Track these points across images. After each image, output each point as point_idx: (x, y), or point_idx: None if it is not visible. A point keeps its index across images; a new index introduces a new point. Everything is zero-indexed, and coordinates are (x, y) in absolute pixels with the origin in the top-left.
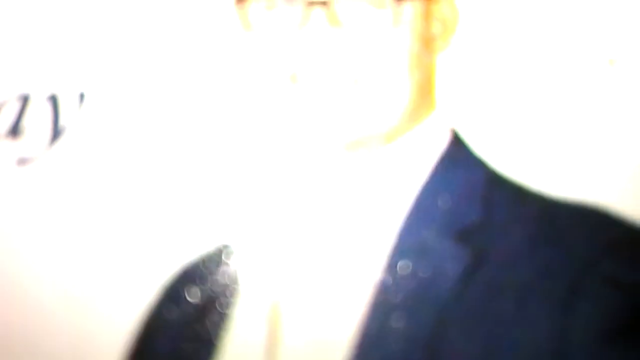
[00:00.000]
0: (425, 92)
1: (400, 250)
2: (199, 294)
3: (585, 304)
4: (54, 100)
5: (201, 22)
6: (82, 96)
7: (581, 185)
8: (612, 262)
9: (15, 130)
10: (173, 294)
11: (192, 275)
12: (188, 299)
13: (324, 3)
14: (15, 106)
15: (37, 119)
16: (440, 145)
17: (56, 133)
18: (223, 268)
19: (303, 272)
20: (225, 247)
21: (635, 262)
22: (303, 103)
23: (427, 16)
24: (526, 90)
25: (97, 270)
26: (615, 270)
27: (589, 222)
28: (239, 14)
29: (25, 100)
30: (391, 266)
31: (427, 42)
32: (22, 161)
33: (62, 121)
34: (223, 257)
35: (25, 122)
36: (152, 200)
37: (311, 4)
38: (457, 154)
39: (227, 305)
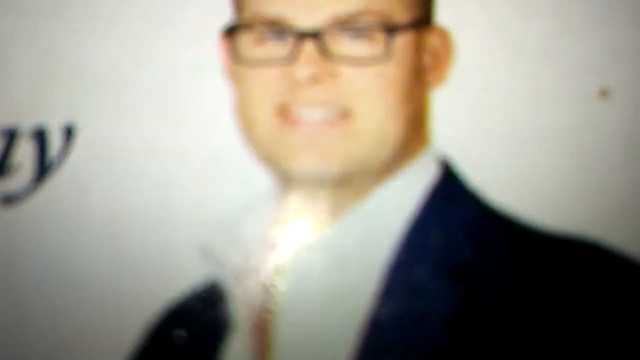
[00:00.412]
0: (417, 126)
1: (391, 289)
2: (185, 335)
3: (576, 339)
4: (41, 135)
5: (190, 54)
6: (71, 130)
7: (574, 218)
8: (605, 296)
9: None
10: (158, 336)
11: (179, 315)
12: (174, 341)
13: (315, 36)
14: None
15: (24, 155)
16: (432, 180)
17: (44, 170)
18: (212, 307)
19: (293, 311)
20: (214, 284)
21: (629, 296)
22: (294, 137)
23: (419, 48)
24: (519, 123)
25: (82, 311)
26: (608, 304)
27: (581, 257)
28: (227, 48)
29: (11, 135)
30: (382, 305)
31: (419, 75)
32: (7, 200)
33: (50, 157)
34: (212, 296)
35: (12, 158)
36: (139, 237)
37: (302, 36)
38: (449, 188)
39: (216, 346)
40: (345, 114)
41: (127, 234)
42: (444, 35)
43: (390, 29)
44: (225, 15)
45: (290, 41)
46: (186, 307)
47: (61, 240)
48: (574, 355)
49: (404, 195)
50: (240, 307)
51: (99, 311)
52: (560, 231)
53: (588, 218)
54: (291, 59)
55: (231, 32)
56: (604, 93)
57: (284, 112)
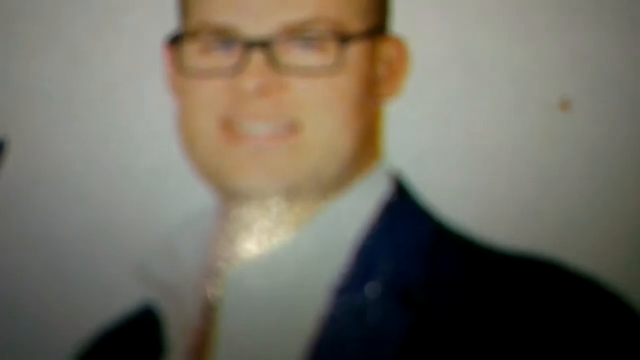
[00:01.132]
0: (370, 139)
1: (339, 310)
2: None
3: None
4: None
5: (131, 65)
6: (1, 145)
7: (531, 231)
8: (558, 314)
9: None
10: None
11: (112, 338)
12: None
13: (263, 45)
14: None
15: None
16: (384, 195)
17: None
18: (147, 329)
19: (233, 333)
20: (150, 305)
21: (583, 314)
22: (239, 152)
23: (373, 58)
24: (475, 134)
25: (13, 330)
26: (561, 321)
27: (535, 276)
28: (171, 58)
29: None
30: (329, 327)
31: (373, 86)
32: None
33: None
34: (147, 317)
35: None
36: (75, 255)
37: (250, 46)
38: (401, 204)
39: None
40: (293, 128)
41: (63, 252)
42: (400, 45)
43: (343, 39)
44: (169, 24)
45: (237, 51)
46: (120, 329)
47: None
48: None
49: (354, 212)
50: (177, 329)
51: (31, 333)
52: (515, 248)
53: (545, 232)
54: (238, 69)
55: (175, 41)
56: (565, 104)
57: (229, 126)
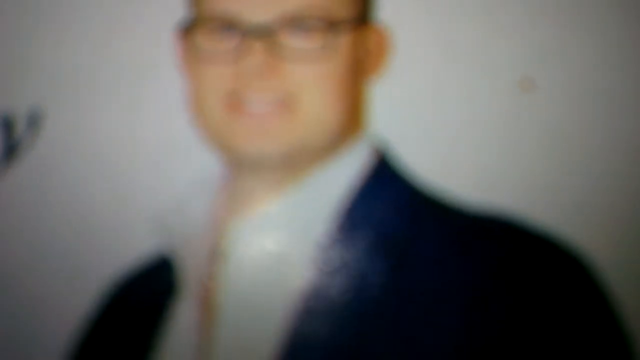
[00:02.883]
0: (355, 115)
1: (325, 261)
2: (135, 301)
3: (489, 310)
4: (6, 122)
5: (146, 50)
6: (35, 118)
7: (501, 199)
8: (515, 269)
9: None
10: (112, 303)
11: (131, 282)
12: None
13: (263, 31)
14: None
15: None
16: (366, 163)
17: (9, 155)
18: (161, 274)
19: (237, 280)
20: (164, 255)
21: (536, 269)
22: (243, 124)
23: (359, 44)
24: (448, 114)
25: (41, 282)
26: (517, 276)
27: (496, 232)
28: (181, 43)
29: None
30: (317, 275)
31: (359, 69)
32: None
33: (15, 142)
34: (162, 264)
35: None
36: (98, 218)
37: (251, 32)
38: (382, 172)
39: (165, 311)
40: (289, 104)
41: (86, 215)
42: (383, 34)
43: (334, 26)
44: (178, 12)
45: (239, 37)
46: (137, 275)
47: (23, 220)
48: (485, 320)
49: (339, 178)
50: (188, 275)
51: (57, 281)
52: (488, 210)
53: (508, 197)
54: (240, 53)
55: (185, 28)
56: (528, 86)
57: (233, 102)
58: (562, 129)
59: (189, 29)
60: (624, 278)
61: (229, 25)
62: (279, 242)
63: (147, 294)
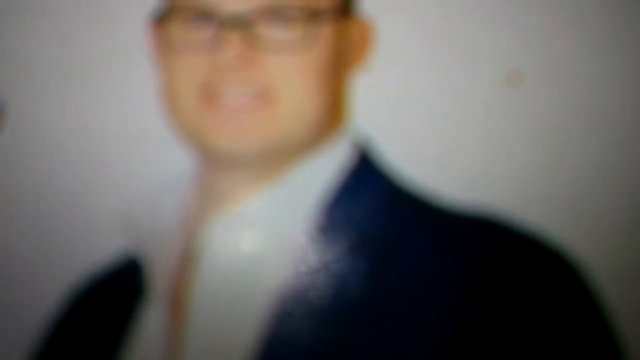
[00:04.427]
0: (335, 109)
1: (304, 262)
2: (101, 304)
3: (473, 308)
4: None
5: (115, 39)
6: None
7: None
8: (498, 268)
9: None
10: (77, 305)
11: (98, 284)
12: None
13: (240, 21)
14: None
15: None
16: (346, 158)
17: None
18: (130, 276)
19: (209, 281)
20: (133, 255)
21: (519, 267)
22: (217, 118)
23: (341, 36)
24: (429, 106)
25: (7, 278)
26: (501, 275)
27: (479, 231)
28: (154, 33)
29: None
30: (296, 276)
31: (341, 62)
32: None
33: None
34: (130, 265)
35: None
36: (64, 213)
37: (227, 22)
38: (362, 168)
39: (131, 313)
40: (267, 98)
41: (53, 209)
42: (365, 26)
43: (314, 16)
44: (150, 1)
45: (215, 27)
46: (104, 276)
47: None
48: (469, 320)
49: (319, 173)
50: (158, 276)
51: (19, 282)
52: (471, 208)
53: (492, 194)
54: (216, 44)
55: (158, 17)
56: (514, 80)
57: (208, 96)
58: (549, 123)
59: (163, 19)
60: (613, 276)
61: (204, 15)
62: (255, 242)
63: (113, 295)
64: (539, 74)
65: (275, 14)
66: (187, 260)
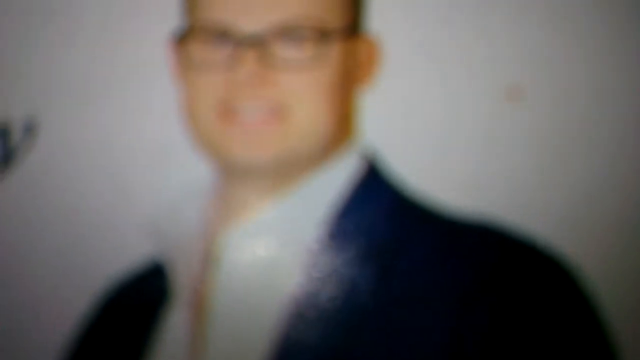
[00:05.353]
0: (345, 124)
1: (316, 267)
2: (128, 307)
3: (476, 314)
4: (2, 128)
5: (140, 57)
6: (31, 125)
7: (486, 204)
8: (501, 275)
9: None
10: (105, 307)
11: (124, 287)
12: (117, 313)
13: (255, 41)
14: None
15: None
16: (355, 171)
17: (6, 163)
18: (154, 280)
19: (228, 285)
20: (157, 260)
21: (522, 275)
22: (234, 132)
23: (350, 54)
24: (434, 121)
25: (36, 285)
26: (504, 282)
27: (483, 239)
28: (175, 51)
29: None
30: (308, 280)
31: (350, 79)
32: None
33: (12, 150)
34: (154, 270)
35: None
36: (92, 222)
37: (244, 41)
38: (370, 180)
39: (157, 316)
40: (280, 113)
41: (80, 222)
42: (373, 45)
43: (325, 35)
44: (173, 18)
45: (232, 46)
46: (130, 280)
47: (19, 227)
48: (472, 326)
49: (328, 185)
50: (180, 280)
51: (53, 286)
52: (475, 217)
53: (501, 205)
54: (233, 62)
55: (179, 37)
56: (515, 95)
57: (225, 111)
58: (549, 134)
59: (183, 38)
60: (611, 281)
61: (221, 35)
62: (270, 248)
63: (139, 299)
64: (540, 87)
65: (288, 34)
66: (208, 266)
